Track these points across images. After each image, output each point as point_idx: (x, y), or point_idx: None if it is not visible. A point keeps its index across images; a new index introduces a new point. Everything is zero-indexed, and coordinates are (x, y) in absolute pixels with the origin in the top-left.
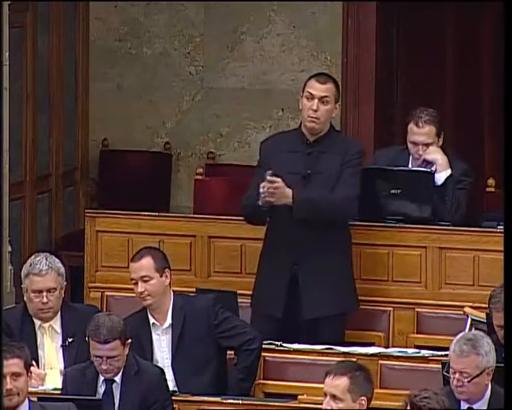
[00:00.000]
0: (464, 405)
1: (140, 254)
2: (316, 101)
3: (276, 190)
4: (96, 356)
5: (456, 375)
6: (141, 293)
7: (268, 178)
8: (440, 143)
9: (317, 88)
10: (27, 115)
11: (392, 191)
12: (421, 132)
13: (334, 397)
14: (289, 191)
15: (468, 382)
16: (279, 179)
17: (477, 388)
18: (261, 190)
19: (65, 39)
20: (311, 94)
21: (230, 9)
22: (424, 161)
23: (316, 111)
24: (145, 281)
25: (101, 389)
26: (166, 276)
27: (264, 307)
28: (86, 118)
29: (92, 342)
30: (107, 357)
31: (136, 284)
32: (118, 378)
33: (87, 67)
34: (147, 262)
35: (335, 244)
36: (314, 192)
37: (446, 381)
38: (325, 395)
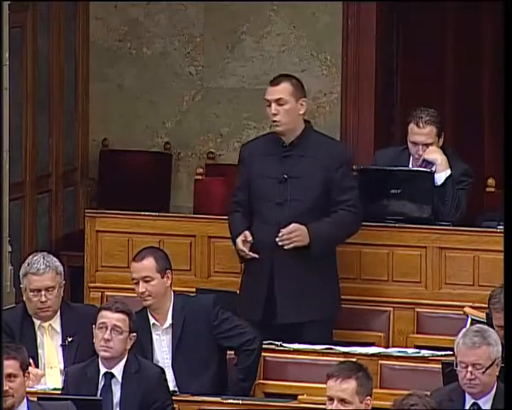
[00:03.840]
0: (469, 401)
1: (142, 254)
2: (273, 105)
3: (298, 236)
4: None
5: (469, 368)
6: (142, 293)
7: (284, 232)
8: (441, 143)
9: (271, 92)
10: (27, 115)
11: (392, 191)
12: (421, 133)
13: (343, 401)
14: (306, 231)
15: (483, 373)
16: (295, 227)
17: (489, 379)
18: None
19: (65, 39)
20: (267, 100)
21: (230, 9)
22: (424, 160)
23: (275, 114)
24: (146, 281)
25: (101, 385)
26: (168, 277)
27: (244, 311)
28: (86, 118)
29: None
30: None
31: (137, 283)
32: (118, 375)
33: (87, 67)
34: (149, 263)
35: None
36: (326, 224)
37: (447, 380)
38: (330, 399)
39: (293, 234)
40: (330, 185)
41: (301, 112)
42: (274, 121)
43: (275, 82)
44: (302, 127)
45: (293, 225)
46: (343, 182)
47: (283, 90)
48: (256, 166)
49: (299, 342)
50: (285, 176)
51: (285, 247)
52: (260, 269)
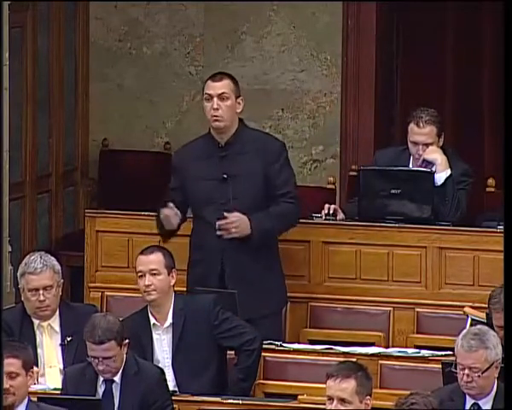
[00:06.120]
0: (470, 401)
1: (150, 249)
2: (215, 99)
3: (237, 227)
4: (93, 357)
5: (466, 371)
6: (147, 286)
7: (220, 222)
8: (441, 143)
9: (213, 87)
10: (27, 115)
11: (392, 191)
12: (421, 133)
13: (342, 401)
14: (247, 222)
15: (479, 377)
16: (234, 217)
17: (487, 382)
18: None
19: (65, 39)
20: (209, 95)
21: (230, 9)
22: (424, 160)
23: (217, 109)
24: (153, 274)
25: (101, 388)
26: (173, 276)
27: None
28: (86, 118)
29: (88, 343)
30: (103, 358)
31: (142, 277)
32: (117, 379)
33: (87, 67)
34: (157, 257)
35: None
36: (268, 216)
37: (447, 380)
38: (330, 398)
39: (233, 225)
40: (270, 179)
41: (238, 110)
42: (215, 116)
43: (216, 78)
44: (237, 126)
45: (233, 216)
46: (282, 174)
47: (226, 85)
48: (192, 171)
49: None
50: (225, 175)
51: (224, 236)
52: (211, 270)
